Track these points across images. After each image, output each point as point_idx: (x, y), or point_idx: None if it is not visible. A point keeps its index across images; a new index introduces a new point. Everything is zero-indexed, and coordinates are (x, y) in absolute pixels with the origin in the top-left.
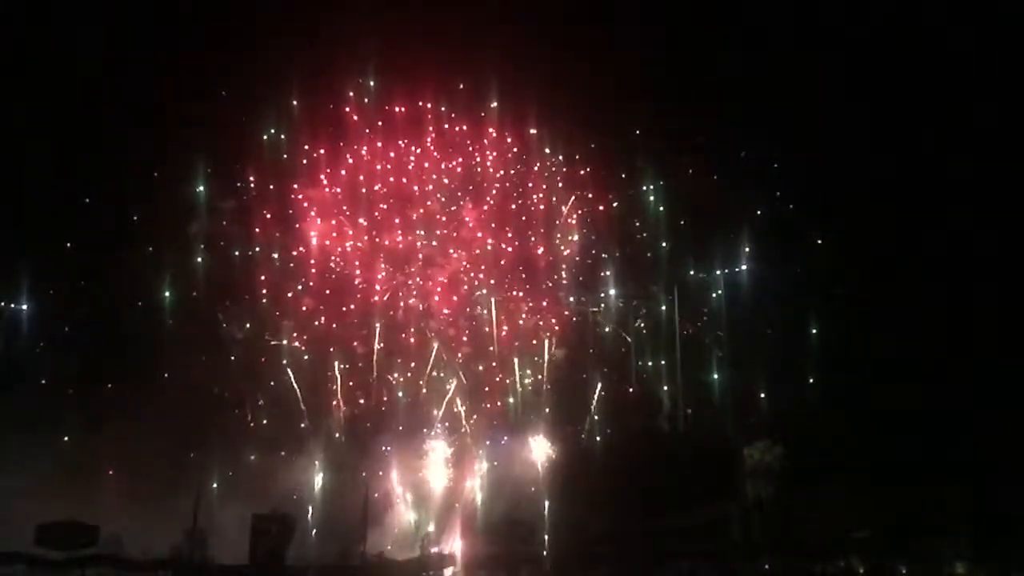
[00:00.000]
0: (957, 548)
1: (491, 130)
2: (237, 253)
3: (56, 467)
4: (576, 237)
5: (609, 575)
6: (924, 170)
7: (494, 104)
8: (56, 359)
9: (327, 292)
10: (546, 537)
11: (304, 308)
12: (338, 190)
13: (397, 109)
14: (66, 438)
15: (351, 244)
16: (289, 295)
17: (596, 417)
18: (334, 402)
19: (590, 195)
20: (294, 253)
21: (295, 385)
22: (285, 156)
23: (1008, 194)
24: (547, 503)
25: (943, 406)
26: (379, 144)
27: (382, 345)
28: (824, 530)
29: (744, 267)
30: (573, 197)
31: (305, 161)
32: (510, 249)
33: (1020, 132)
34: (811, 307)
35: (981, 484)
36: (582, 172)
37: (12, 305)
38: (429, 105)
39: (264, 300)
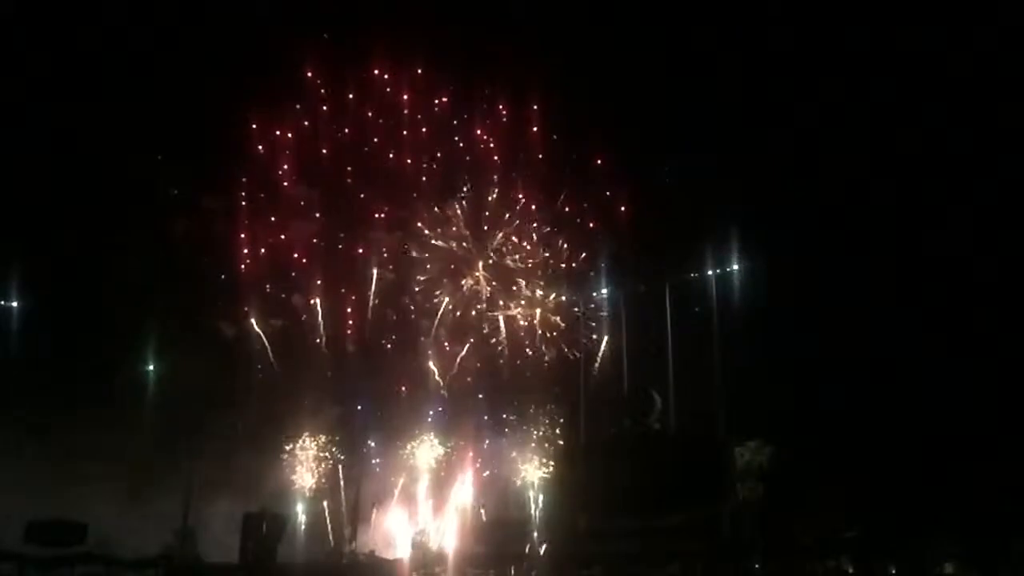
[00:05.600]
0: (947, 548)
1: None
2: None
3: (45, 465)
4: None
5: (600, 575)
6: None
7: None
8: (44, 357)
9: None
10: (536, 536)
11: (273, 324)
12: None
13: (377, 73)
14: (55, 436)
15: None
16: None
17: (588, 416)
18: (326, 401)
19: (607, 192)
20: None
21: (286, 384)
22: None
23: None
24: (539, 502)
25: (934, 406)
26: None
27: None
28: (814, 530)
29: (736, 267)
30: (566, 191)
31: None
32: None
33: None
34: (804, 307)
35: (971, 484)
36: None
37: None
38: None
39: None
